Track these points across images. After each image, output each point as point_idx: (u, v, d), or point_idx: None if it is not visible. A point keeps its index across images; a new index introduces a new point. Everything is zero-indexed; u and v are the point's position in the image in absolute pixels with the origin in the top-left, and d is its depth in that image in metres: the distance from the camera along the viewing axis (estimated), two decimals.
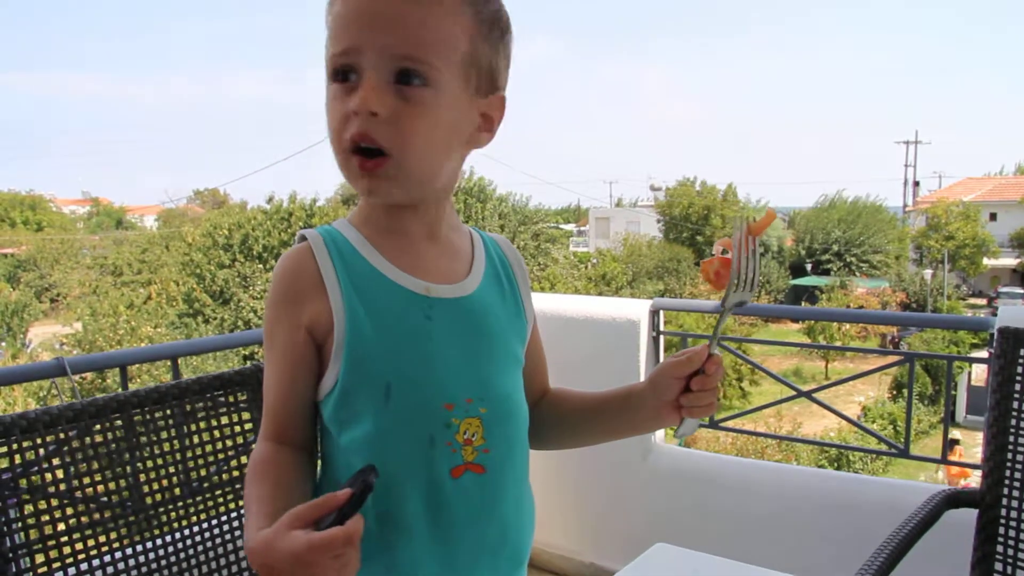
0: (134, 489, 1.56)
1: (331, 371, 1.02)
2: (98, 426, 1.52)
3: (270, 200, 27.19)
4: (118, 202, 63.69)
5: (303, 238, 1.07)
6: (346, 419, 1.02)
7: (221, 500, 1.67)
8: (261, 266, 24.20)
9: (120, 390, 2.30)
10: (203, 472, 1.65)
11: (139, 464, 1.57)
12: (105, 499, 1.53)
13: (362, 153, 0.98)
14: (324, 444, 1.08)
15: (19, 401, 17.03)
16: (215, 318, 23.66)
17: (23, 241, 43.99)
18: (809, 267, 37.27)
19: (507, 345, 1.12)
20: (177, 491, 1.64)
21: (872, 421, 18.01)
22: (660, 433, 3.33)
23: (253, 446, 1.69)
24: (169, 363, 2.53)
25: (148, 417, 1.58)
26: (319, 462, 1.09)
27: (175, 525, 1.60)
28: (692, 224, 37.93)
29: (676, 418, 1.08)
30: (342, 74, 0.98)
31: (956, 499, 1.98)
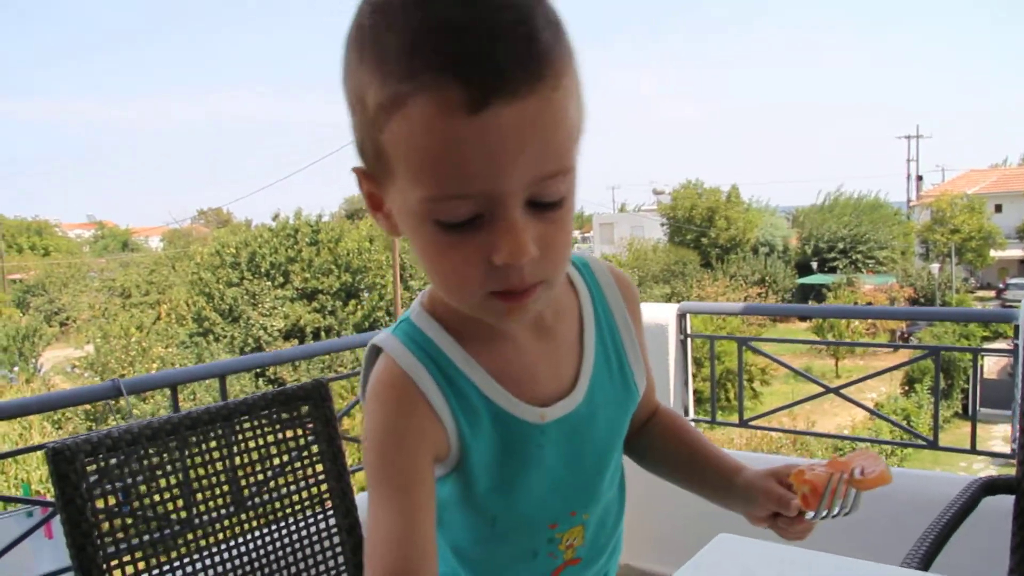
0: (200, 499, 1.64)
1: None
2: (172, 443, 1.59)
3: (275, 217, 27.32)
4: (123, 224, 63.94)
5: (379, 350, 0.92)
6: (446, 538, 0.99)
7: (287, 504, 1.75)
8: (269, 283, 24.29)
9: (172, 409, 2.38)
10: (274, 483, 1.73)
11: (208, 475, 1.64)
12: (172, 508, 1.60)
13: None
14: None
15: (35, 425, 17.11)
16: (225, 336, 23.75)
17: (31, 266, 44.21)
18: (815, 265, 37.27)
19: (616, 443, 1.04)
20: (242, 495, 1.71)
21: None
22: None
23: (314, 455, 1.76)
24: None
25: (218, 432, 1.66)
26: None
27: (241, 529, 1.68)
28: (696, 226, 37.97)
29: (763, 526, 1.07)
30: (455, 223, 0.76)
31: (993, 486, 2.03)
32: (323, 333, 23.59)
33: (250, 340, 23.33)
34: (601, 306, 1.02)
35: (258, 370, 18.73)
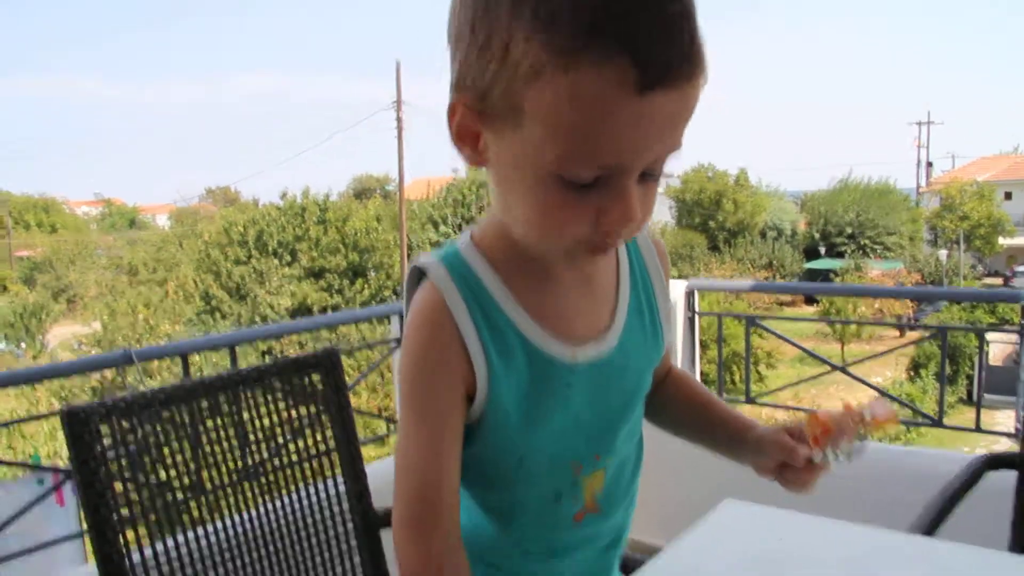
0: (214, 462, 1.66)
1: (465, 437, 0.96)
2: (185, 408, 1.61)
3: (283, 196, 27.32)
4: (130, 202, 64.01)
5: (422, 273, 0.95)
6: (470, 481, 1.00)
7: (298, 470, 1.77)
8: (276, 262, 24.31)
9: (182, 377, 2.41)
10: (285, 450, 1.75)
11: (221, 440, 1.67)
12: (184, 470, 1.62)
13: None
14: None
15: (42, 401, 17.22)
16: (232, 314, 23.81)
17: (38, 243, 44.31)
18: (823, 250, 37.17)
19: (640, 392, 1.07)
20: (254, 460, 1.73)
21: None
22: None
23: (324, 423, 1.78)
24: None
25: (231, 397, 1.68)
26: None
27: (252, 494, 1.70)
28: (704, 210, 37.85)
29: (770, 477, 1.08)
30: (581, 183, 0.80)
31: (996, 461, 2.05)
32: (330, 312, 23.65)
33: (257, 318, 23.38)
34: (637, 261, 1.06)
35: (264, 348, 18.77)
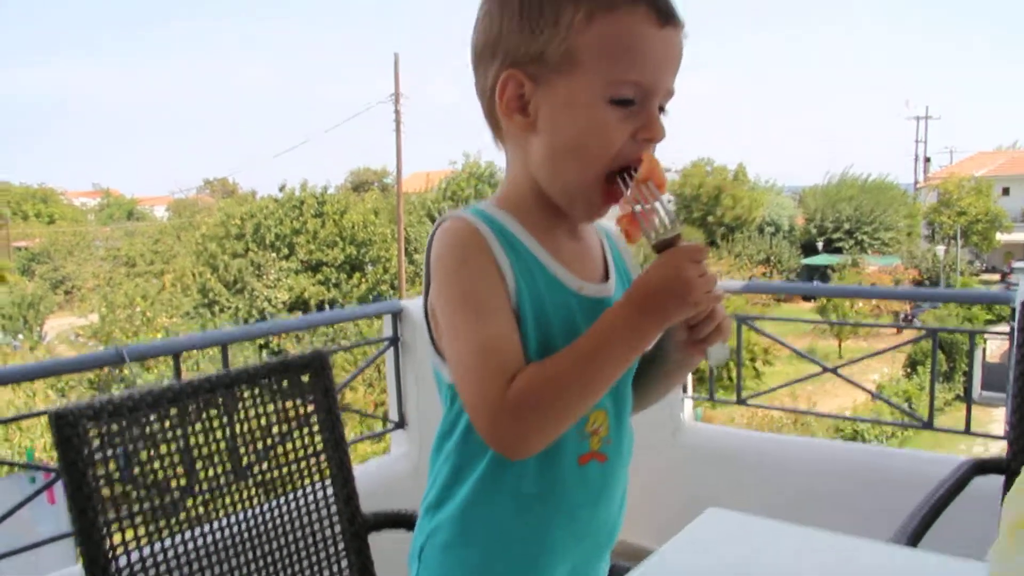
0: (201, 465, 1.66)
1: None
2: (174, 410, 1.62)
3: (282, 189, 27.29)
4: (128, 193, 63.83)
5: (456, 218, 1.07)
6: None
7: (285, 473, 1.78)
8: (274, 255, 24.32)
9: (172, 376, 2.41)
10: (274, 452, 1.75)
11: (209, 442, 1.67)
12: (172, 474, 1.63)
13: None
14: (456, 414, 1.10)
15: (39, 393, 17.22)
16: (229, 307, 23.82)
17: (36, 234, 44.24)
18: (820, 246, 37.18)
19: None
20: (242, 464, 1.73)
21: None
22: (688, 411, 3.42)
23: (313, 425, 1.79)
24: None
25: (220, 400, 1.68)
26: (452, 431, 1.12)
27: (239, 497, 1.71)
28: (703, 205, 37.84)
29: (697, 352, 1.09)
30: (625, 100, 1.02)
31: (983, 467, 2.06)
32: (327, 305, 23.67)
33: (254, 311, 23.38)
34: (613, 244, 1.23)
35: (261, 342, 18.77)
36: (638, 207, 1.02)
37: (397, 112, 23.94)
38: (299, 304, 23.78)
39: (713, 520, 1.38)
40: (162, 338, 20.93)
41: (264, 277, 24.01)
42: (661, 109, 1.06)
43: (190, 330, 22.27)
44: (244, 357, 19.85)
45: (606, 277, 1.16)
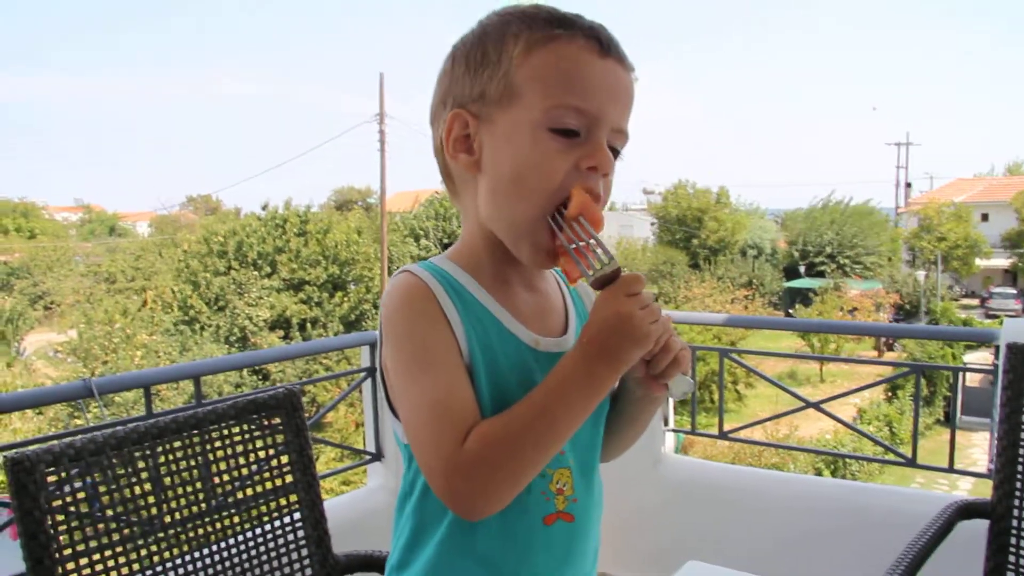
0: (166, 508, 1.61)
1: None
2: (137, 452, 1.56)
3: (265, 207, 27.15)
4: (110, 209, 63.41)
5: (406, 273, 1.05)
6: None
7: (254, 516, 1.72)
8: (256, 273, 24.14)
9: (144, 411, 2.34)
10: (242, 494, 1.70)
11: (176, 485, 1.61)
12: (137, 519, 1.57)
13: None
14: (415, 474, 1.06)
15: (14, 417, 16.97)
16: (211, 325, 23.61)
17: (16, 249, 43.81)
18: (803, 269, 37.37)
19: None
20: (209, 506, 1.68)
21: (868, 423, 18.06)
22: (669, 444, 3.38)
23: (283, 466, 1.74)
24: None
25: (185, 442, 1.63)
26: (411, 491, 1.08)
27: (207, 540, 1.65)
28: (685, 227, 38.00)
29: (657, 387, 1.03)
30: (565, 131, 1.00)
31: (968, 510, 2.03)
32: (309, 325, 23.48)
33: (235, 330, 23.19)
34: (578, 299, 1.19)
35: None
36: (572, 245, 0.98)
37: (382, 132, 23.93)
38: (281, 323, 23.60)
39: (693, 573, 1.33)
40: (143, 358, 20.77)
41: (246, 295, 23.81)
42: (615, 152, 1.04)
43: (170, 348, 22.06)
44: (224, 376, 19.70)
45: (566, 329, 1.12)
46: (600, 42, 1.01)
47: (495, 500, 0.94)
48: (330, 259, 24.66)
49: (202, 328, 23.53)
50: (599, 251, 0.97)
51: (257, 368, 20.21)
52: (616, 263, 0.96)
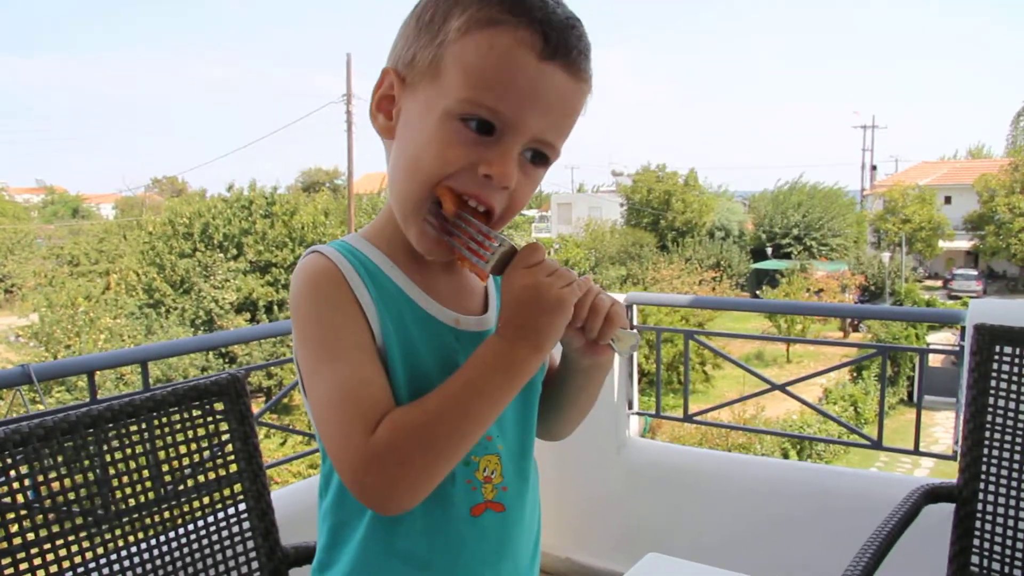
0: (105, 499, 1.53)
1: None
2: (70, 442, 1.48)
3: (230, 188, 26.83)
4: (74, 190, 62.44)
5: (315, 254, 0.99)
6: None
7: (197, 507, 1.64)
8: (222, 255, 23.86)
9: (88, 396, 2.25)
10: (185, 484, 1.62)
11: (113, 475, 1.53)
12: (76, 509, 1.49)
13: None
14: (330, 468, 1.01)
15: None
16: (176, 308, 23.33)
17: None
18: (770, 251, 37.64)
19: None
20: (149, 497, 1.60)
21: (833, 403, 18.26)
22: (634, 427, 3.34)
23: (228, 455, 1.66)
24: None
25: (122, 431, 1.54)
26: (327, 487, 1.03)
27: (148, 533, 1.57)
28: (654, 209, 38.10)
29: (601, 351, 1.00)
30: (478, 124, 0.92)
31: (934, 494, 2.00)
32: (275, 307, 23.29)
33: (201, 313, 22.93)
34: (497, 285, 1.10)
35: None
36: (455, 241, 0.94)
37: (349, 113, 23.74)
38: (247, 305, 23.38)
39: (653, 565, 1.28)
40: (107, 340, 20.48)
41: (212, 278, 23.54)
42: (541, 161, 0.97)
43: (135, 331, 21.77)
44: (190, 359, 19.46)
45: (487, 308, 1.07)
46: (546, 40, 0.90)
47: (409, 493, 0.87)
48: (297, 241, 24.42)
49: (167, 311, 23.26)
50: (487, 240, 0.93)
51: (224, 351, 20.00)
52: (508, 243, 0.93)
